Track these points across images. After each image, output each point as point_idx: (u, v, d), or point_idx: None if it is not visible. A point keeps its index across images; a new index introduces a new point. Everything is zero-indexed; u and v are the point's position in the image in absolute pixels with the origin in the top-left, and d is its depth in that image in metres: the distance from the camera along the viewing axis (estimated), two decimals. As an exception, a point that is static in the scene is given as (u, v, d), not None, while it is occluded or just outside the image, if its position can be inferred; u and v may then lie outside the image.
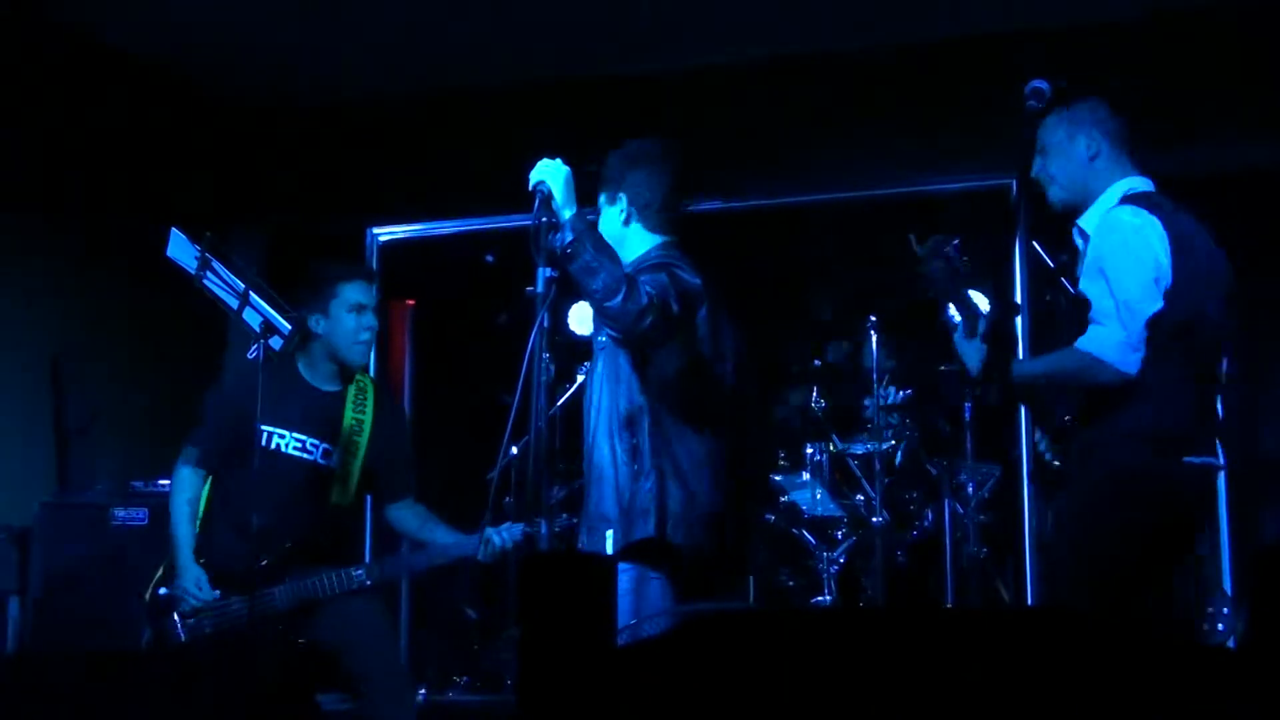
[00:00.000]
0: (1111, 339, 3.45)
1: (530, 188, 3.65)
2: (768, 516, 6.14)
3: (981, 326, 3.64)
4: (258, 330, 4.33)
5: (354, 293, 4.47)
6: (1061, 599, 3.52)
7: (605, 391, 3.89)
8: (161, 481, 5.53)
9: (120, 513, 5.40)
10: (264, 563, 4.29)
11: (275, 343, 4.31)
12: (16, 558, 5.45)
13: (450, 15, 6.07)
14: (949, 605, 5.68)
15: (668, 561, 3.77)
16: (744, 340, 4.07)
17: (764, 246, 7.14)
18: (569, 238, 3.60)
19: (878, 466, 6.01)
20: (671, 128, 6.36)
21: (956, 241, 3.66)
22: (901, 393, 6.25)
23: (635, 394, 3.83)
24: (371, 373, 6.62)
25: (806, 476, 6.22)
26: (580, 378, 5.58)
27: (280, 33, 6.22)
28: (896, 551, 6.10)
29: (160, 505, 5.33)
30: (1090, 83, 5.64)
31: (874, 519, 5.93)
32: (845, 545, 6.05)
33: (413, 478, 4.65)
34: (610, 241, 3.84)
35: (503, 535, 4.26)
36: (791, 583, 6.23)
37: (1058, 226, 3.84)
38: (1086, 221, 3.68)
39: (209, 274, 4.33)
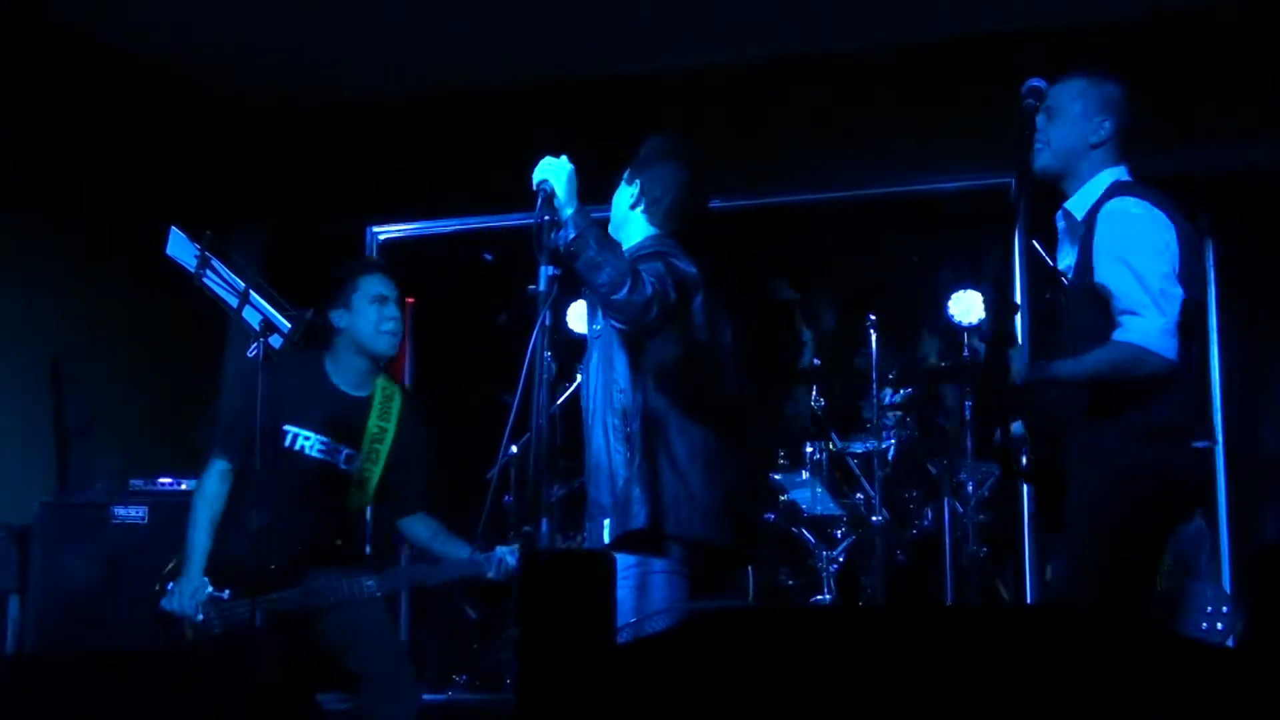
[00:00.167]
0: (1153, 327, 3.40)
1: (534, 186, 3.65)
2: (767, 515, 6.14)
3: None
4: (257, 329, 4.33)
5: (374, 284, 4.49)
6: (1072, 596, 3.51)
7: (600, 381, 3.90)
8: (161, 480, 5.54)
9: (120, 511, 5.40)
10: (274, 565, 4.29)
11: (275, 341, 4.30)
12: (16, 557, 5.45)
13: (450, 15, 6.08)
14: (949, 604, 5.68)
15: (663, 551, 3.77)
16: (738, 333, 4.07)
17: (763, 246, 7.14)
18: (572, 234, 3.61)
19: (877, 465, 6.02)
20: (671, 127, 6.39)
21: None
22: (901, 392, 6.25)
23: (629, 382, 3.83)
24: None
25: (806, 475, 6.23)
26: (580, 377, 5.59)
27: (280, 32, 6.22)
28: (896, 550, 6.10)
29: (160, 504, 5.35)
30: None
31: (873, 518, 5.94)
32: (845, 544, 6.05)
33: (427, 490, 4.64)
34: (614, 220, 3.89)
35: (516, 555, 4.25)
36: (791, 581, 6.23)
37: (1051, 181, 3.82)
38: (1075, 206, 3.64)
39: (208, 272, 4.33)
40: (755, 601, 5.84)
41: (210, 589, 4.32)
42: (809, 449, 6.30)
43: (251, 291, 4.29)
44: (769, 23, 6.15)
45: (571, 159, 3.71)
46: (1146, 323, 3.41)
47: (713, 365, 3.95)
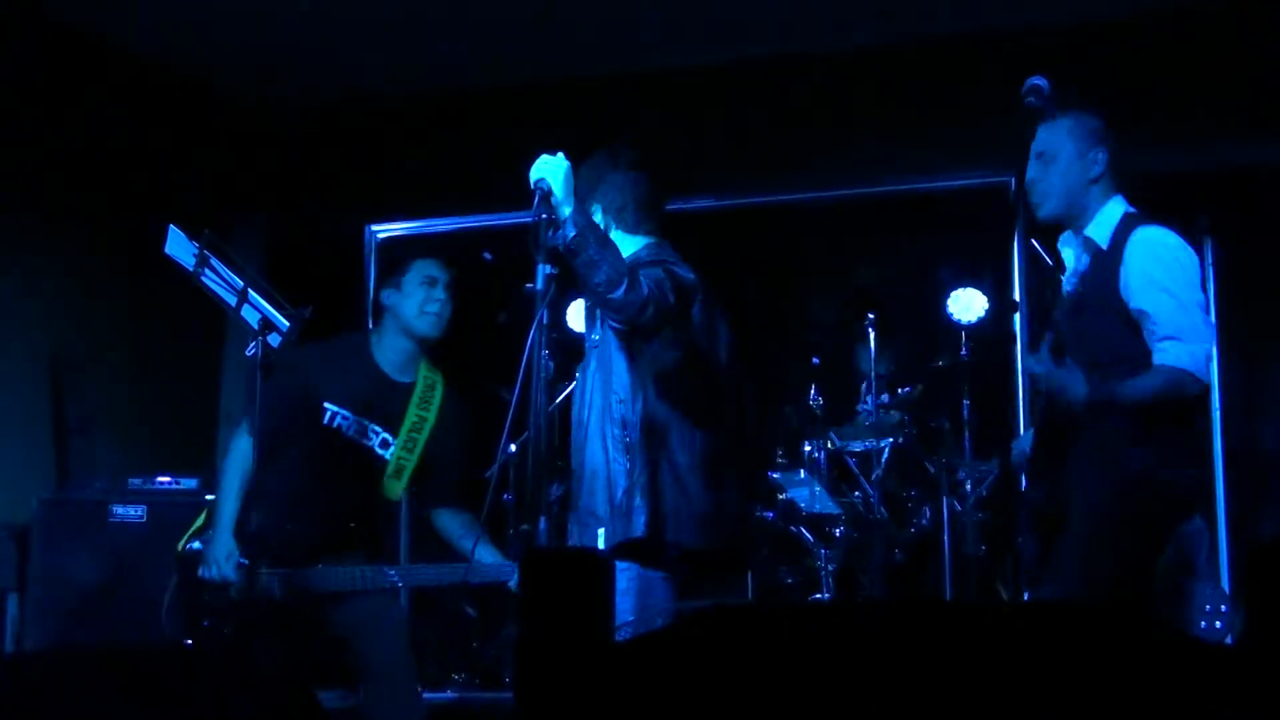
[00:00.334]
0: (1199, 352, 3.51)
1: (531, 185, 3.65)
2: (766, 514, 6.14)
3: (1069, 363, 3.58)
4: (256, 327, 4.32)
5: (427, 267, 4.50)
6: (1070, 594, 3.53)
7: (598, 388, 3.90)
8: (160, 479, 5.54)
9: (119, 510, 5.41)
10: (301, 540, 4.28)
11: (274, 340, 4.30)
12: (15, 555, 5.46)
13: (450, 14, 6.08)
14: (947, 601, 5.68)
15: (660, 560, 3.77)
16: (736, 337, 4.07)
17: (762, 244, 7.14)
18: (571, 233, 3.61)
19: (876, 464, 6.02)
20: (670, 125, 6.40)
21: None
22: (900, 390, 6.25)
23: (628, 391, 3.83)
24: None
25: (804, 474, 6.22)
26: (577, 381, 5.60)
27: (279, 31, 6.23)
28: (894, 549, 6.10)
29: (159, 502, 5.36)
30: (1089, 81, 5.69)
31: (872, 517, 5.94)
32: (843, 543, 6.05)
33: (459, 484, 4.61)
34: None
35: None
36: (790, 580, 6.23)
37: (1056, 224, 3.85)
38: (1096, 233, 3.68)
39: (207, 271, 4.33)
40: (754, 600, 5.85)
41: (238, 555, 4.28)
42: (807, 448, 6.30)
43: (250, 290, 4.29)
44: (769, 22, 6.15)
45: (570, 158, 3.71)
46: (1192, 348, 3.50)
47: (711, 371, 3.95)
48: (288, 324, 4.30)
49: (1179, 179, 6.16)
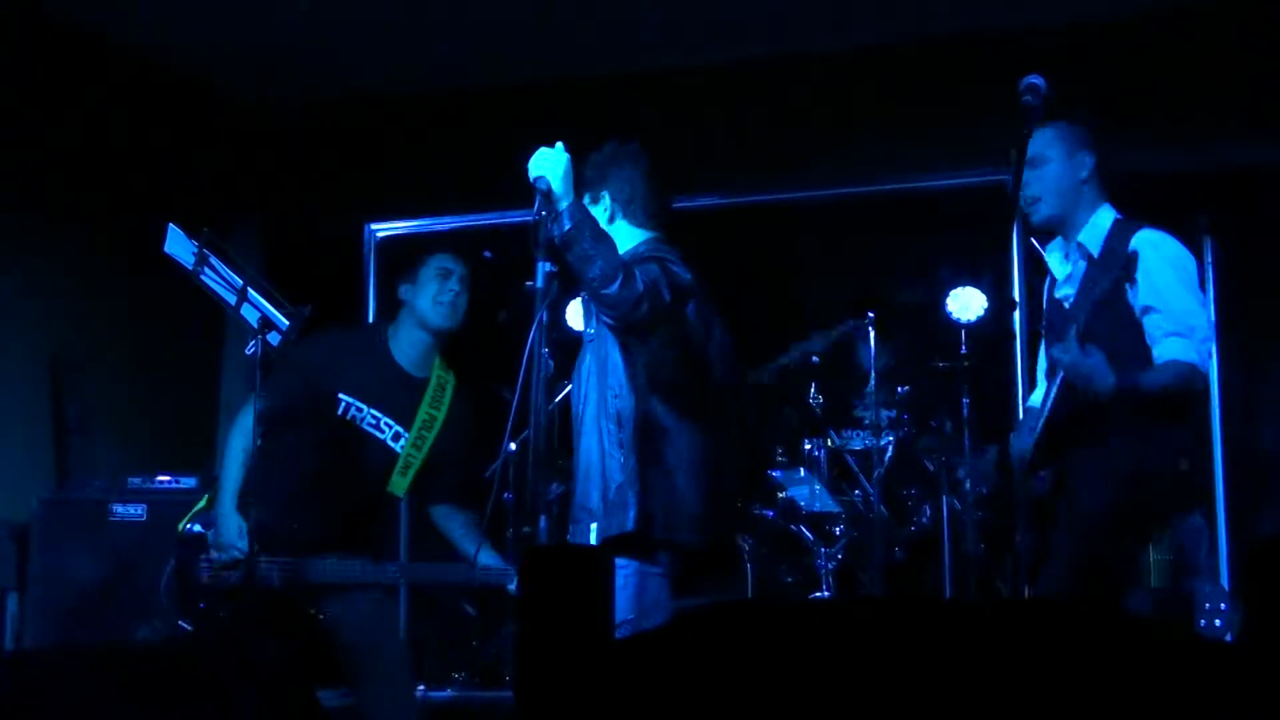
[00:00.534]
0: (1203, 349, 3.60)
1: (530, 180, 3.65)
2: (766, 513, 6.15)
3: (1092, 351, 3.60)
4: (255, 326, 4.33)
5: (442, 259, 4.50)
6: (1068, 586, 3.55)
7: (593, 385, 3.90)
8: (160, 478, 5.54)
9: (118, 509, 5.41)
10: (303, 530, 4.28)
11: (273, 338, 4.31)
12: (15, 554, 5.46)
13: (450, 13, 6.08)
14: (946, 599, 5.68)
15: (649, 556, 3.78)
16: (733, 336, 4.08)
17: (761, 243, 7.14)
18: (567, 225, 3.61)
19: (875, 463, 6.02)
20: (670, 124, 6.40)
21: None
22: (899, 389, 6.25)
23: (623, 388, 3.84)
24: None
25: (804, 472, 6.22)
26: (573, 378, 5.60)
27: (279, 30, 6.22)
28: (894, 548, 6.10)
29: (158, 501, 5.36)
30: (1088, 81, 5.69)
31: (872, 515, 5.94)
32: (843, 541, 6.05)
33: (464, 484, 4.61)
34: None
35: None
36: (790, 579, 6.23)
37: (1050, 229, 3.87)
38: (1088, 239, 3.72)
39: (206, 270, 4.33)
40: (754, 598, 5.85)
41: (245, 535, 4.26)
42: (807, 446, 6.30)
43: (249, 289, 4.29)
44: (768, 21, 6.15)
45: (570, 157, 3.71)
46: (1194, 345, 3.58)
47: (705, 370, 3.96)
48: (287, 323, 4.30)
49: (1178, 179, 6.16)
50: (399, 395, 4.45)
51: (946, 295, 6.38)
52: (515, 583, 4.23)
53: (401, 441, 4.45)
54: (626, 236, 3.96)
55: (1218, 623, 5.59)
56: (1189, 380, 3.59)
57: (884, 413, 6.16)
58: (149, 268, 4.80)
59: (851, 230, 6.97)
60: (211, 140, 6.81)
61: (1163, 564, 4.19)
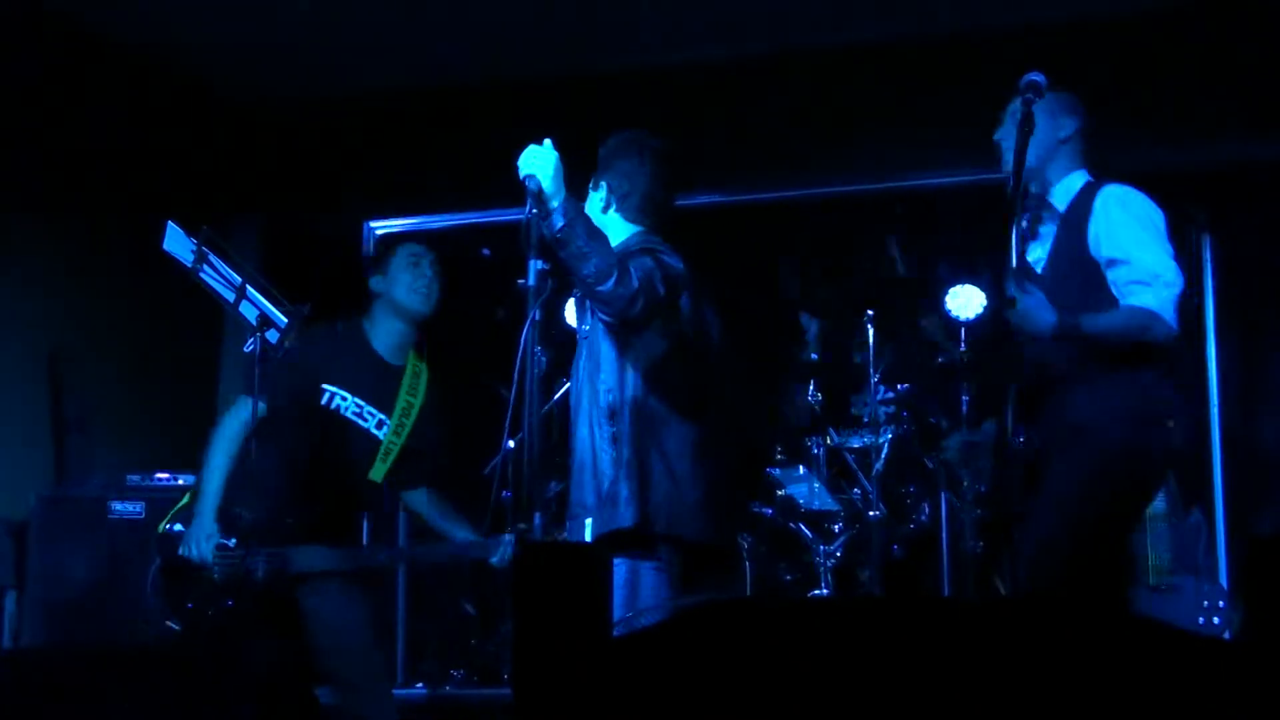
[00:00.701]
0: (1167, 298, 3.56)
1: (520, 178, 3.64)
2: (765, 510, 6.15)
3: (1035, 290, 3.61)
4: (254, 323, 4.33)
5: (411, 248, 4.61)
6: (1047, 577, 3.54)
7: (587, 380, 3.90)
8: (159, 475, 5.54)
9: (117, 506, 5.41)
10: (289, 521, 4.34)
11: (272, 336, 4.32)
12: (13, 551, 5.46)
13: (449, 11, 6.07)
14: (944, 597, 5.68)
15: (647, 551, 3.78)
16: (724, 326, 4.09)
17: (760, 240, 7.14)
18: (560, 222, 3.60)
19: (874, 460, 6.02)
20: (669, 122, 6.38)
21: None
22: (898, 387, 6.25)
23: (617, 382, 3.83)
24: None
25: (803, 470, 6.22)
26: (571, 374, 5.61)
27: (277, 27, 6.22)
28: (893, 545, 6.10)
29: (157, 499, 5.35)
30: (1087, 78, 5.69)
31: (871, 513, 5.93)
32: (842, 539, 6.05)
33: (440, 469, 4.72)
34: None
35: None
36: (789, 576, 6.23)
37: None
38: (1057, 198, 3.77)
39: (205, 267, 4.34)
40: (752, 595, 5.84)
41: (219, 536, 4.33)
42: (807, 444, 6.30)
43: (248, 286, 4.30)
44: (768, 19, 6.15)
45: (568, 155, 3.70)
46: (1159, 292, 3.56)
47: (700, 361, 3.96)
48: (286, 320, 4.31)
49: (1177, 175, 6.16)
50: (380, 383, 4.52)
51: (946, 293, 6.38)
52: (499, 554, 4.35)
53: (384, 429, 4.50)
54: (618, 229, 3.96)
55: (1216, 620, 5.61)
56: (1143, 326, 3.55)
57: (883, 410, 6.16)
58: (148, 265, 4.81)
59: (850, 227, 6.97)
60: (210, 138, 6.81)
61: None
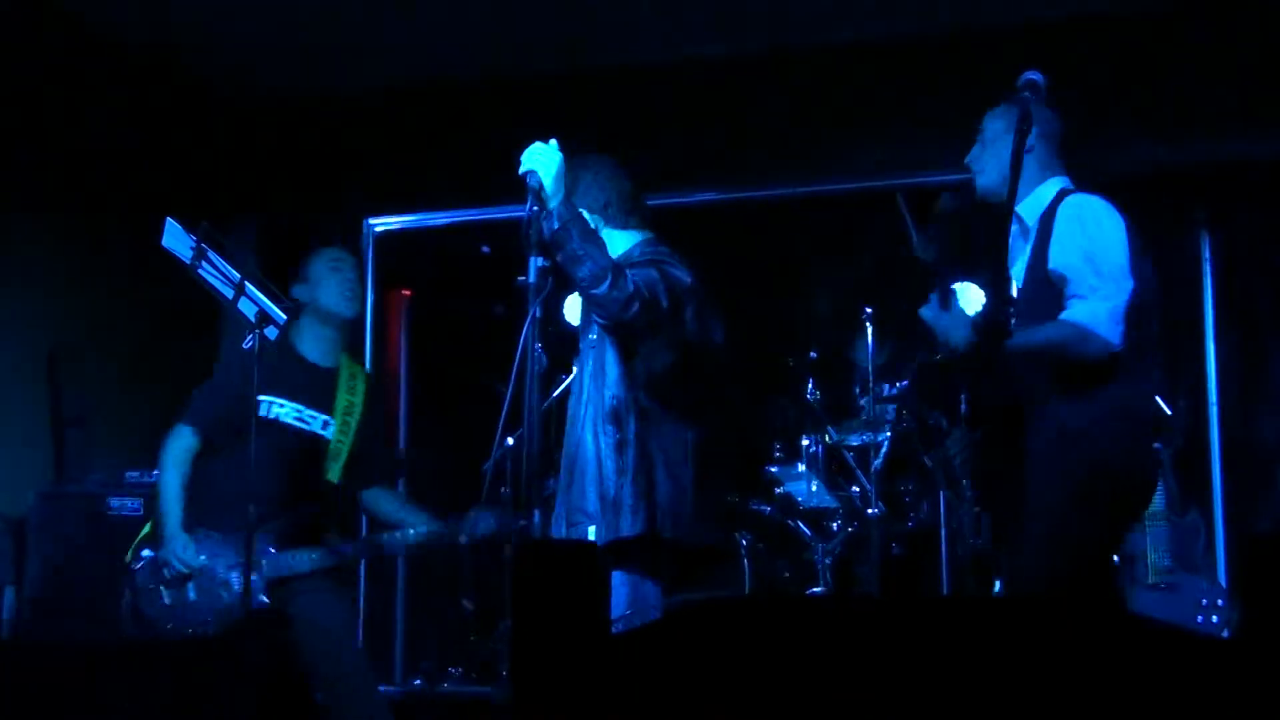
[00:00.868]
0: (1100, 311, 3.49)
1: (520, 173, 3.65)
2: (763, 508, 6.15)
3: (956, 309, 3.61)
4: (253, 320, 4.34)
5: (332, 253, 4.71)
6: (1035, 581, 3.54)
7: (592, 387, 3.91)
8: (157, 473, 5.54)
9: (115, 503, 5.40)
10: (255, 531, 4.33)
11: (271, 332, 4.32)
12: (11, 548, 5.46)
13: (449, 7, 6.07)
14: (940, 596, 5.68)
15: (657, 558, 3.79)
16: (728, 332, 4.10)
17: (759, 238, 7.13)
18: (555, 225, 3.62)
19: (873, 458, 6.02)
20: (668, 118, 6.39)
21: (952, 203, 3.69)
22: (897, 384, 6.25)
23: (622, 389, 3.84)
24: (368, 365, 6.74)
25: (802, 468, 6.22)
26: (575, 377, 5.62)
27: (276, 25, 6.21)
28: (892, 543, 6.10)
29: (155, 496, 5.35)
30: (1086, 76, 5.69)
31: (869, 510, 5.93)
32: (840, 536, 6.05)
33: (390, 465, 4.88)
34: None
35: (486, 521, 4.49)
36: (787, 574, 6.23)
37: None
38: (1026, 211, 3.73)
39: (204, 264, 4.34)
40: (751, 593, 5.84)
41: (193, 548, 4.42)
42: (805, 442, 6.30)
43: (247, 283, 4.30)
44: (767, 15, 6.14)
45: (568, 150, 3.70)
46: (1094, 305, 3.50)
47: (705, 373, 3.97)
48: (285, 317, 4.32)
49: (1176, 174, 6.17)
50: (315, 386, 4.62)
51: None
52: (466, 533, 4.49)
53: (330, 429, 4.60)
54: (618, 241, 3.97)
55: (1214, 619, 5.61)
56: (1072, 341, 3.49)
57: (882, 408, 6.16)
58: (147, 262, 4.82)
59: (850, 225, 6.96)
60: (209, 136, 6.80)
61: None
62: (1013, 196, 3.50)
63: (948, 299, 3.55)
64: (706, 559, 4.08)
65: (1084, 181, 3.80)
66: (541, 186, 3.62)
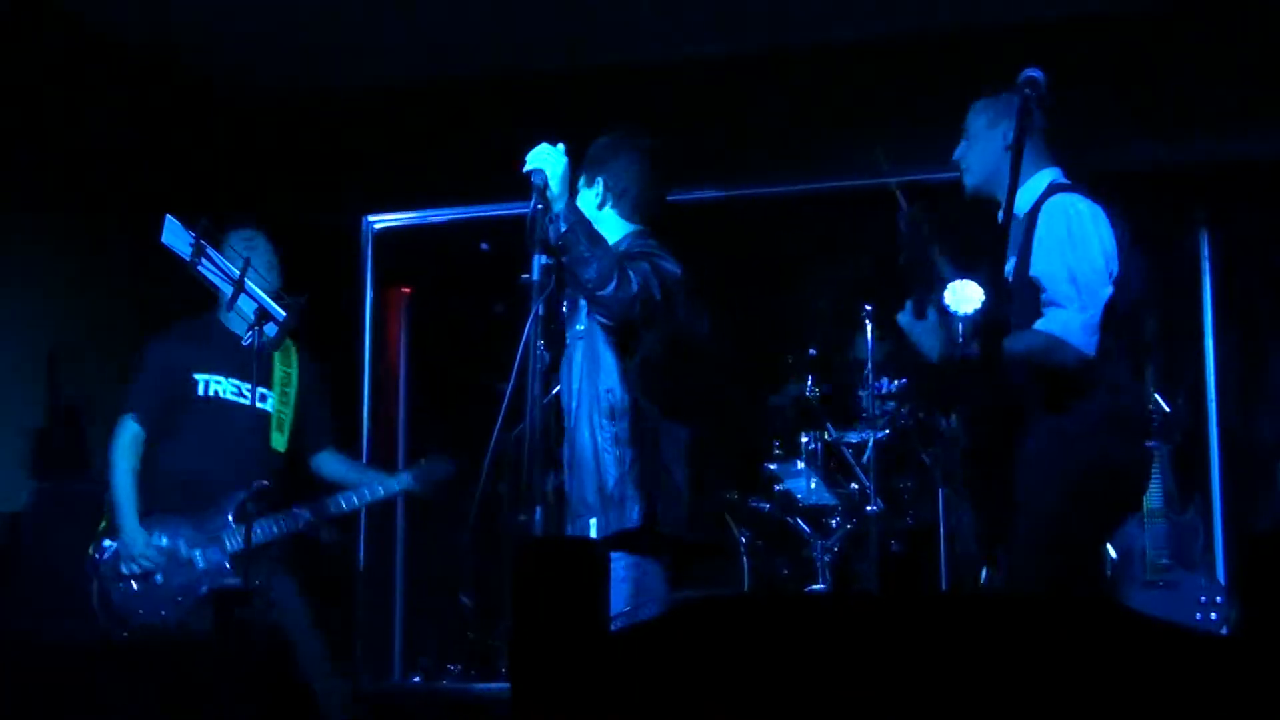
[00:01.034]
0: (1074, 321, 3.49)
1: (525, 171, 3.66)
2: (762, 505, 6.15)
3: (931, 318, 3.61)
4: (252, 317, 4.34)
5: (243, 232, 4.77)
6: (1032, 579, 3.54)
7: (585, 380, 3.91)
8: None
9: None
10: (209, 509, 4.50)
11: (270, 329, 4.33)
12: (8, 544, 5.45)
13: (447, 5, 6.07)
14: (940, 591, 5.68)
15: (656, 549, 3.79)
16: (728, 330, 4.13)
17: (759, 235, 7.13)
18: (563, 228, 3.64)
19: (872, 455, 6.01)
20: (669, 116, 6.38)
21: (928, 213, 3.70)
22: (896, 381, 6.24)
23: (616, 382, 3.85)
24: (367, 364, 6.77)
25: (801, 465, 6.22)
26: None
27: (275, 22, 6.21)
28: (891, 540, 6.10)
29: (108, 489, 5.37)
30: (1086, 74, 5.69)
31: (868, 507, 5.93)
32: (839, 534, 6.05)
33: (334, 428, 4.95)
34: None
35: (436, 468, 4.71)
36: (786, 571, 6.23)
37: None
38: (1018, 203, 3.67)
39: (203, 261, 4.34)
40: (749, 590, 5.85)
41: (150, 538, 4.50)
42: (804, 439, 6.29)
43: (246, 280, 4.30)
44: (769, 14, 6.14)
45: (570, 150, 3.71)
46: (1068, 315, 3.50)
47: (697, 362, 3.99)
48: (284, 314, 4.32)
49: (1175, 173, 6.16)
50: (248, 360, 4.59)
51: (944, 288, 6.36)
52: (417, 482, 4.71)
53: (269, 401, 4.66)
54: (612, 227, 3.98)
55: (1213, 616, 5.61)
56: (1046, 350, 3.49)
57: (881, 405, 6.15)
58: (147, 262, 4.84)
59: (850, 222, 6.96)
60: (208, 133, 6.79)
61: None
62: (1013, 192, 3.48)
63: (922, 307, 3.54)
64: (703, 554, 4.08)
65: (1076, 174, 3.79)
66: (546, 185, 3.63)
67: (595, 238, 3.73)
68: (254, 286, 4.33)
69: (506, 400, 3.62)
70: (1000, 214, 3.48)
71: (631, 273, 3.72)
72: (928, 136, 6.20)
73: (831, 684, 2.21)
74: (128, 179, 6.29)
